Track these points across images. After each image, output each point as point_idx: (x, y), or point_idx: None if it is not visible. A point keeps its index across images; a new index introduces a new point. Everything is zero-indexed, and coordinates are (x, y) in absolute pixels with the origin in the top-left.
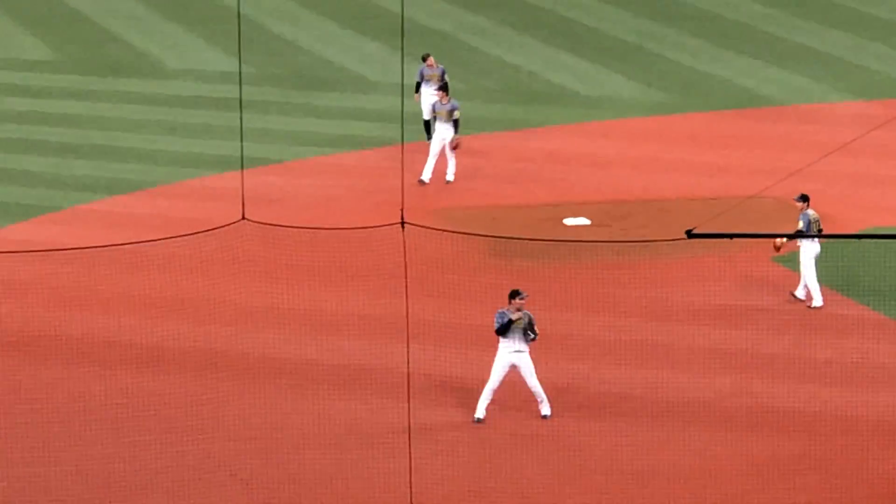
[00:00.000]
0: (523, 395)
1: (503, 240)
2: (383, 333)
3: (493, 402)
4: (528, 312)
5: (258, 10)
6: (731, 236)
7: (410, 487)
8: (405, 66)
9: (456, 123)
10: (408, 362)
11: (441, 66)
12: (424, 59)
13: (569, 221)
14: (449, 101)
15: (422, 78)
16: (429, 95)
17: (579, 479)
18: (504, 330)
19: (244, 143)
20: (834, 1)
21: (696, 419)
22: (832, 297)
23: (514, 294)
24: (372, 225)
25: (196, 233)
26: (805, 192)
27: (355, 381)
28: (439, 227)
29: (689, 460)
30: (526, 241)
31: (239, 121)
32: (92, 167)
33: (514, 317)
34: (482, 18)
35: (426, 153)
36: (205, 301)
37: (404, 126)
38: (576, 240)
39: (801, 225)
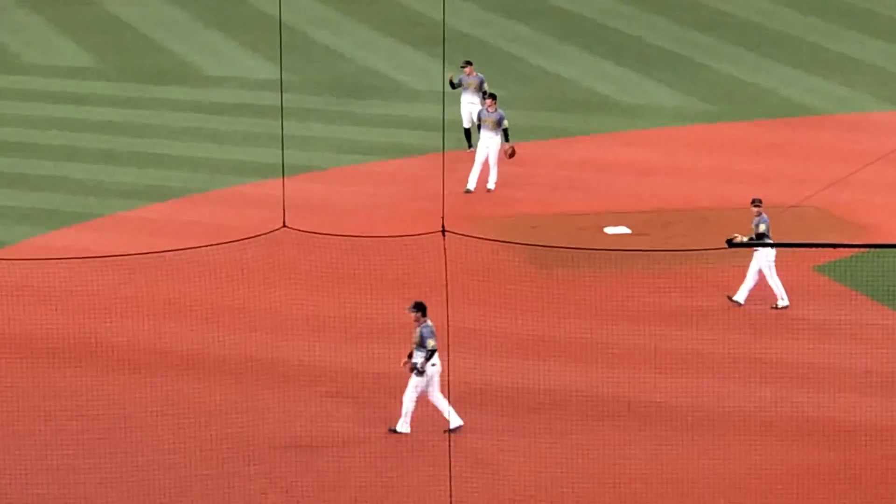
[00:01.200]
0: (564, 404)
1: (544, 248)
2: None
3: (533, 410)
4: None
5: (300, 18)
6: (771, 245)
7: (450, 495)
8: (446, 75)
9: (505, 132)
10: (448, 370)
11: (480, 75)
12: (464, 67)
13: (609, 230)
14: (496, 109)
15: (460, 84)
16: (467, 104)
17: (619, 487)
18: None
19: (285, 151)
20: (875, 10)
21: (736, 428)
22: (873, 307)
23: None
24: (413, 233)
25: (237, 240)
26: (758, 197)
27: (395, 389)
28: (480, 236)
29: (729, 469)
30: (566, 250)
31: (280, 128)
32: (134, 174)
33: None
34: (524, 27)
35: (467, 161)
36: (245, 309)
37: (445, 134)
38: (616, 248)
39: (763, 228)
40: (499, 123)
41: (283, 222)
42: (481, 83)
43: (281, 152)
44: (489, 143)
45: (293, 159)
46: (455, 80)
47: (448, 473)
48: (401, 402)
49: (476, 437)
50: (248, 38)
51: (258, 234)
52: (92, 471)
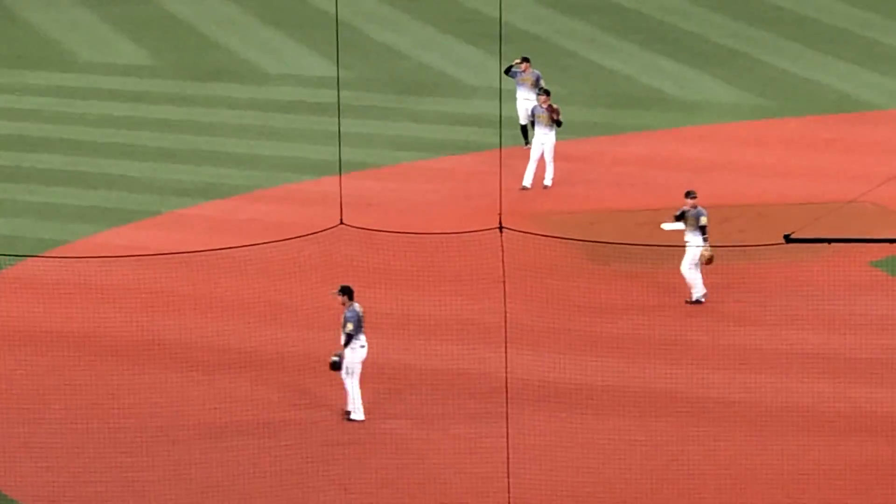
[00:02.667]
0: (622, 400)
1: (601, 244)
2: (481, 338)
3: (591, 406)
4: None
5: (356, 15)
6: (829, 241)
7: (508, 492)
8: (503, 71)
9: (559, 125)
10: (506, 367)
11: (536, 71)
12: (520, 63)
13: (666, 226)
14: (549, 103)
15: (512, 73)
16: (523, 100)
17: (676, 483)
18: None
19: (343, 148)
20: None
21: (794, 423)
22: None
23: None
24: (470, 229)
25: (295, 237)
26: (692, 189)
27: (453, 386)
28: (537, 232)
29: (787, 464)
30: (623, 246)
31: (337, 125)
32: (191, 172)
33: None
34: (580, 23)
35: (523, 157)
36: (303, 306)
37: (502, 130)
38: (674, 244)
39: (704, 220)
40: (552, 118)
41: (341, 219)
42: (537, 79)
43: (338, 149)
44: (544, 140)
45: (350, 156)
46: (512, 72)
47: (506, 470)
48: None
49: (534, 434)
50: (304, 36)
51: (316, 231)
52: (150, 468)
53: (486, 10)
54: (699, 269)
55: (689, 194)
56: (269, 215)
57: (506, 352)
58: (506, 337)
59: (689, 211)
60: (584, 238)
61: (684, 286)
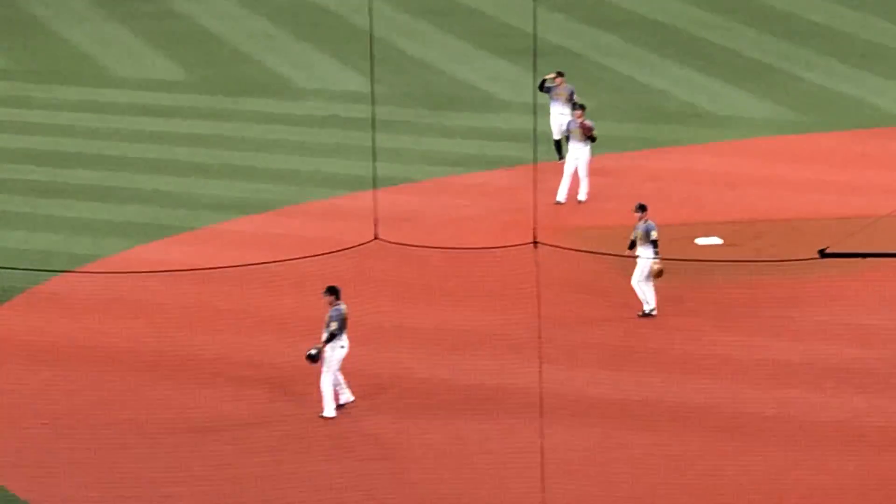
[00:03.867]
0: (657, 415)
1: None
2: (515, 353)
3: (625, 421)
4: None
5: (390, 30)
6: (864, 255)
7: None
8: (536, 86)
9: (593, 140)
10: (540, 382)
11: (570, 86)
12: (554, 78)
13: (700, 241)
14: (584, 119)
15: (545, 87)
16: (557, 115)
17: (711, 498)
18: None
19: (376, 163)
20: None
21: (828, 438)
22: None
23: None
24: (504, 244)
25: (328, 252)
26: (642, 202)
27: (488, 401)
28: (571, 247)
29: (822, 480)
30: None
31: (371, 140)
32: (224, 187)
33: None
34: (614, 38)
35: (557, 172)
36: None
37: (536, 146)
38: (708, 259)
39: (655, 235)
40: (586, 134)
41: (375, 234)
42: (571, 94)
43: (372, 164)
44: (578, 154)
45: (384, 171)
46: (545, 87)
47: (541, 486)
48: (502, 415)
49: (568, 449)
50: (338, 50)
51: (349, 246)
52: (184, 484)
53: (519, 25)
54: (650, 283)
55: (639, 208)
56: (303, 230)
57: (540, 366)
58: (540, 352)
59: (639, 225)
60: (618, 253)
61: (719, 301)
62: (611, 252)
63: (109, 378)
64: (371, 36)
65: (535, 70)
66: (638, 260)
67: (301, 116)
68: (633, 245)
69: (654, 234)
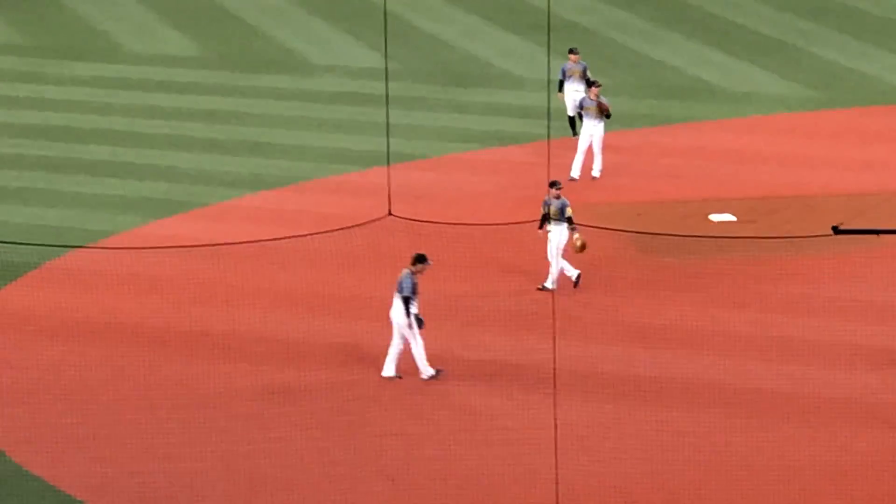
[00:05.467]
0: (670, 391)
1: (649, 236)
2: (529, 329)
3: (638, 397)
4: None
5: (403, 6)
6: (877, 232)
7: (556, 483)
8: (551, 62)
9: (607, 117)
10: (554, 358)
11: (584, 63)
12: (569, 54)
13: (714, 217)
14: (599, 97)
15: (564, 75)
16: (572, 91)
17: (724, 475)
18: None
19: (390, 139)
20: None
21: (841, 415)
22: None
23: (423, 259)
24: (518, 220)
25: (342, 228)
26: (556, 179)
27: (501, 377)
28: (585, 223)
29: (834, 456)
30: (671, 237)
31: (385, 116)
32: (238, 163)
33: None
34: (628, 14)
35: (571, 148)
36: (351, 297)
37: (550, 122)
38: (721, 236)
39: (569, 212)
40: (600, 111)
41: (389, 210)
42: (584, 70)
43: (386, 140)
44: (592, 131)
45: (397, 148)
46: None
47: (554, 461)
48: (516, 390)
49: (582, 425)
50: (351, 27)
51: (363, 222)
52: (198, 459)
53: (533, 1)
54: (562, 257)
55: (553, 184)
56: (317, 206)
57: (554, 342)
58: (554, 327)
59: (553, 201)
60: (631, 229)
61: (732, 277)
62: (624, 228)
63: (122, 354)
64: (385, 11)
65: (549, 46)
66: (550, 235)
67: (315, 92)
68: (545, 220)
69: (568, 211)
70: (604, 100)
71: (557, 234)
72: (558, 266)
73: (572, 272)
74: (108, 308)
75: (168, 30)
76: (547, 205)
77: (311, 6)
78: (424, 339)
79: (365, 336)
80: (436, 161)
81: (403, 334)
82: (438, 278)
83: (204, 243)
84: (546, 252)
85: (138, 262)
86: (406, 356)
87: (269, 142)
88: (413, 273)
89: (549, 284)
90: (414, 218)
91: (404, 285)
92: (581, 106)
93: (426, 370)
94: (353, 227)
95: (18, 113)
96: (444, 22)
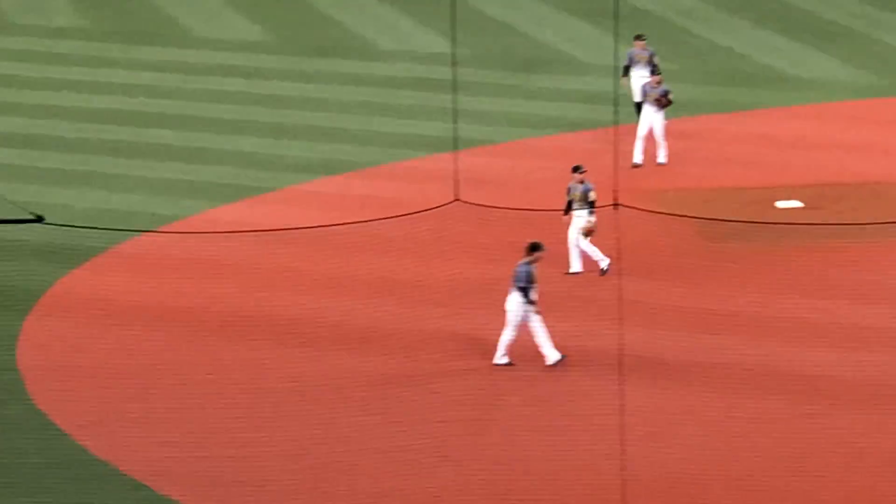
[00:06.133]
0: (736, 378)
1: (715, 222)
2: (595, 314)
3: (705, 384)
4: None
5: None
6: None
7: (622, 469)
8: (618, 48)
9: (668, 104)
10: (620, 344)
11: (650, 49)
12: (635, 41)
13: (781, 204)
14: (660, 85)
15: (631, 61)
16: (638, 78)
17: (789, 460)
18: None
19: (457, 125)
20: None
21: None
22: None
23: (538, 247)
24: (584, 206)
25: (409, 213)
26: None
27: (567, 363)
28: (651, 209)
29: None
30: (738, 224)
31: (452, 102)
32: (305, 148)
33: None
34: (695, 1)
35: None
36: (417, 282)
37: (617, 108)
38: (788, 222)
39: (592, 196)
40: (660, 99)
41: (456, 196)
42: (651, 56)
43: (453, 126)
44: (653, 118)
45: (465, 133)
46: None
47: (620, 448)
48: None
49: (647, 411)
50: (419, 11)
51: (430, 207)
52: (265, 444)
53: None
54: (586, 242)
55: (575, 169)
56: (384, 191)
57: (620, 328)
58: (620, 313)
59: (577, 186)
60: (698, 216)
61: (798, 264)
62: (691, 214)
63: (188, 338)
64: None
65: (616, 32)
66: (574, 220)
67: (382, 77)
68: (570, 206)
69: (591, 195)
70: (661, 89)
71: (581, 220)
72: (579, 250)
73: (602, 260)
74: (174, 293)
75: (236, 15)
76: (571, 190)
77: None
78: (541, 325)
79: (431, 321)
80: (503, 147)
81: (516, 324)
82: (505, 264)
83: (270, 228)
84: (567, 237)
85: (205, 247)
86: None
87: (336, 127)
88: (529, 262)
89: (574, 269)
90: (481, 203)
91: (519, 275)
92: (644, 92)
93: (552, 355)
94: (420, 212)
95: (86, 97)
96: (511, 7)
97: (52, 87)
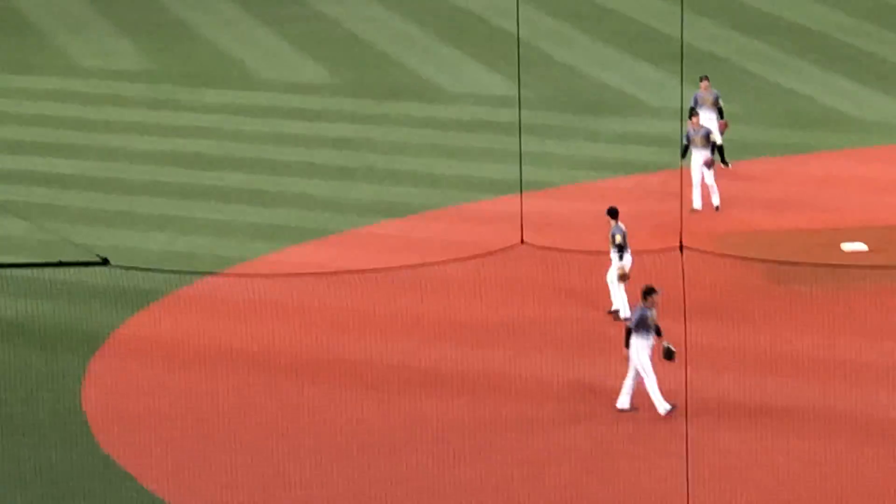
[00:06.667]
0: (801, 421)
1: (780, 265)
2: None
3: (770, 426)
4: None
5: (536, 34)
6: None
7: None
8: (683, 91)
9: (713, 148)
10: (685, 386)
11: (715, 91)
12: (700, 82)
13: (846, 246)
14: (702, 126)
15: (696, 103)
16: (705, 120)
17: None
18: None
19: (522, 167)
20: None
21: None
22: None
23: (651, 291)
24: (650, 249)
25: (474, 256)
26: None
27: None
28: (716, 252)
29: None
30: (803, 266)
31: (517, 144)
32: (370, 190)
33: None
34: (760, 43)
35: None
36: (482, 324)
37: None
38: (853, 265)
39: (619, 240)
40: (706, 139)
41: (521, 238)
42: (717, 98)
43: (518, 168)
44: (700, 161)
45: (529, 175)
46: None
47: (686, 490)
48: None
49: (713, 454)
50: (484, 54)
51: (495, 250)
52: (329, 486)
53: (666, 30)
54: (620, 286)
55: (609, 212)
56: (448, 234)
57: (686, 371)
58: (686, 356)
59: (613, 230)
60: (763, 258)
61: (863, 306)
62: (756, 257)
63: (252, 381)
64: (518, 40)
65: (682, 75)
66: (613, 260)
67: (447, 119)
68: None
69: (617, 239)
70: (703, 130)
71: (618, 261)
72: (620, 291)
73: (622, 308)
74: (239, 335)
75: (301, 57)
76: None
77: (443, 34)
78: (656, 373)
79: (496, 363)
80: (568, 189)
81: (641, 368)
82: (568, 306)
83: (335, 270)
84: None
85: (269, 289)
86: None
87: (400, 169)
88: (644, 307)
89: (616, 310)
90: (546, 246)
91: (634, 319)
92: (688, 137)
93: (661, 405)
94: (485, 255)
95: (152, 140)
96: (576, 50)
97: (118, 129)
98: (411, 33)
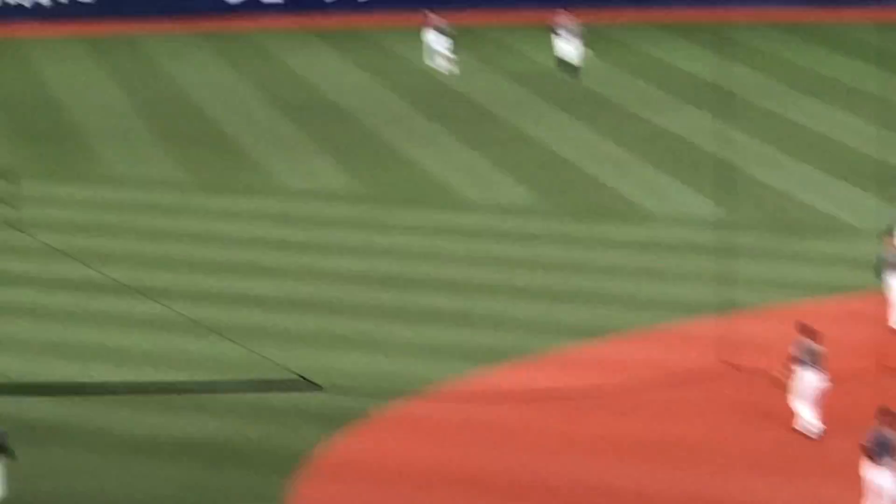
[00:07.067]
0: None
1: None
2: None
3: None
4: None
5: (741, 156)
6: None
7: None
8: (880, 210)
9: None
10: None
11: None
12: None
13: None
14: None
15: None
16: None
17: None
18: None
19: (722, 288)
20: None
21: None
22: None
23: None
24: (854, 371)
25: (677, 378)
26: None
27: None
28: None
29: None
30: None
31: (719, 266)
32: (573, 312)
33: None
34: None
35: None
36: (692, 447)
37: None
38: None
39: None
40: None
41: (723, 360)
42: None
43: (718, 289)
44: (894, 284)
45: (731, 297)
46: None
47: None
48: None
49: None
50: (689, 176)
51: (697, 371)
52: None
53: (868, 151)
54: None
55: (801, 330)
56: (651, 355)
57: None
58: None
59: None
60: None
61: None
62: None
63: None
64: (723, 162)
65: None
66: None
67: (651, 242)
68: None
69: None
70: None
71: (800, 378)
72: (800, 407)
73: (808, 423)
74: (443, 459)
75: (505, 179)
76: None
77: (649, 156)
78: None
79: (702, 488)
80: (771, 311)
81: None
82: (774, 428)
83: (542, 393)
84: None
85: (474, 411)
86: None
87: (605, 291)
88: (881, 430)
89: (800, 427)
90: (748, 367)
91: (869, 441)
92: (884, 258)
93: None
94: (687, 376)
95: (354, 260)
96: (776, 170)
97: (318, 250)
98: (613, 154)
